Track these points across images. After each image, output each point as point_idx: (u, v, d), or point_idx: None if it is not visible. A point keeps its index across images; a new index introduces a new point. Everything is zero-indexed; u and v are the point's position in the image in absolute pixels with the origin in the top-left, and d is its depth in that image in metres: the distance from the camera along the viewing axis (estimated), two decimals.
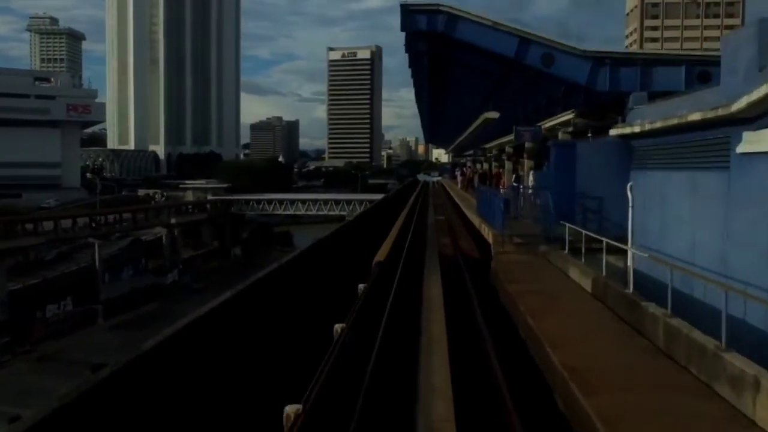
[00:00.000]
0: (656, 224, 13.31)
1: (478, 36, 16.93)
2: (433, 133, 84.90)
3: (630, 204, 14.72)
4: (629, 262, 13.80)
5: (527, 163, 29.43)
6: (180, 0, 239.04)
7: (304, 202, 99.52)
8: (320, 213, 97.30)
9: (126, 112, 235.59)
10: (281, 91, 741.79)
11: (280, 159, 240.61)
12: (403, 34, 20.78)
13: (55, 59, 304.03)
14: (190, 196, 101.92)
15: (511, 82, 21.62)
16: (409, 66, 26.04)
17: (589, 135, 17.96)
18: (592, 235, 12.38)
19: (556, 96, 18.90)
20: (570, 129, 18.94)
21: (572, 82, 16.48)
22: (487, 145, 42.04)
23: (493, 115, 22.11)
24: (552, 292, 10.59)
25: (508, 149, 37.29)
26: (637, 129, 13.46)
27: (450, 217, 29.60)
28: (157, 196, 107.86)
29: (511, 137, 32.87)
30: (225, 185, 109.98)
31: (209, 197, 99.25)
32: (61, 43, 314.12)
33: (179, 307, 59.98)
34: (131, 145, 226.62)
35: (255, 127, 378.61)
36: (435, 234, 20.74)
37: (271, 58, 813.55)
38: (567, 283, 11.35)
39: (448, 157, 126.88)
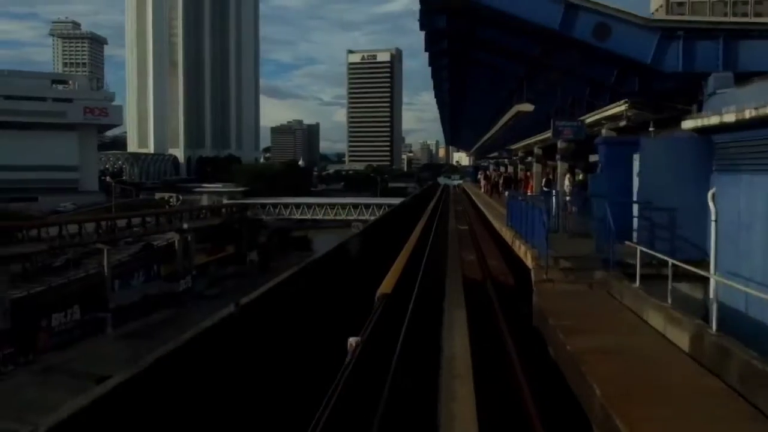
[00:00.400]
0: (760, 246, 9.87)
1: (512, 2, 13.51)
2: (455, 134, 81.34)
3: (712, 218, 11.27)
4: (711, 294, 10.36)
5: (560, 165, 25.96)
6: (199, 3, 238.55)
7: (321, 206, 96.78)
8: (338, 218, 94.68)
9: (145, 115, 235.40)
10: (302, 94, 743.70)
11: (300, 162, 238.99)
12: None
13: (78, 63, 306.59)
14: (205, 200, 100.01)
15: (547, 70, 18.15)
16: (426, 49, 21.61)
17: (651, 129, 14.45)
18: (680, 264, 8.97)
19: (604, 83, 15.42)
20: (622, 123, 15.40)
21: (633, 59, 12.90)
22: (514, 146, 38.46)
23: (527, 107, 18.48)
24: (632, 352, 7.17)
25: (537, 150, 33.82)
26: (729, 118, 10.04)
27: (474, 227, 25.82)
28: (172, 200, 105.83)
29: (542, 136, 29.40)
30: (241, 189, 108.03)
31: (224, 201, 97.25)
32: (83, 47, 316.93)
33: (192, 315, 58.57)
34: (151, 149, 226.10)
35: (275, 131, 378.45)
36: (458, 249, 17.31)
37: (292, 62, 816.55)
38: (647, 335, 7.95)
39: (470, 160, 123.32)
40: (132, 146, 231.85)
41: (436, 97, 47.81)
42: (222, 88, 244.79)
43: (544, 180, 26.81)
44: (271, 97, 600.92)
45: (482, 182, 45.18)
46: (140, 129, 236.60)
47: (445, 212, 33.94)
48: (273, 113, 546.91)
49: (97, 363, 44.23)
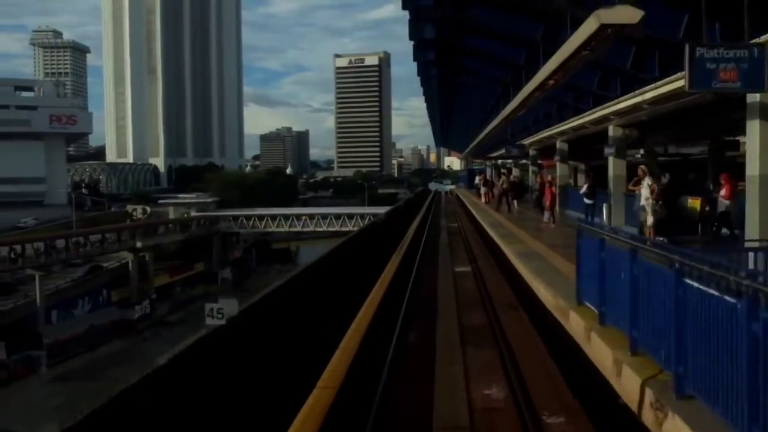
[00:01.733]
0: None
1: None
2: (446, 136, 72.40)
3: None
4: None
5: (613, 163, 16.73)
6: (178, 8, 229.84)
7: (300, 217, 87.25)
8: (318, 229, 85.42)
9: (124, 123, 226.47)
10: (292, 102, 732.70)
11: (289, 170, 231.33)
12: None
13: (60, 73, 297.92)
14: (171, 213, 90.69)
15: None
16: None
17: None
18: None
19: None
20: None
21: None
22: (528, 140, 28.91)
23: (625, 15, 8.02)
24: None
25: (561, 145, 24.60)
26: None
27: (486, 280, 14.07)
28: (135, 213, 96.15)
29: (573, 123, 20.20)
30: (213, 199, 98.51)
31: (193, 213, 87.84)
32: (65, 56, 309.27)
33: (149, 346, 51.66)
34: (130, 159, 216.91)
35: (264, 138, 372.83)
36: (461, 363, 7.00)
37: (281, 69, 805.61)
38: None
39: (462, 163, 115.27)
40: (111, 156, 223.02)
41: (424, 93, 39.46)
42: (203, 95, 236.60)
43: (585, 187, 17.56)
44: (260, 105, 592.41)
45: (482, 190, 34.97)
46: (119, 138, 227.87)
47: (435, 236, 24.44)
48: (263, 121, 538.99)
49: (18, 415, 36.59)
